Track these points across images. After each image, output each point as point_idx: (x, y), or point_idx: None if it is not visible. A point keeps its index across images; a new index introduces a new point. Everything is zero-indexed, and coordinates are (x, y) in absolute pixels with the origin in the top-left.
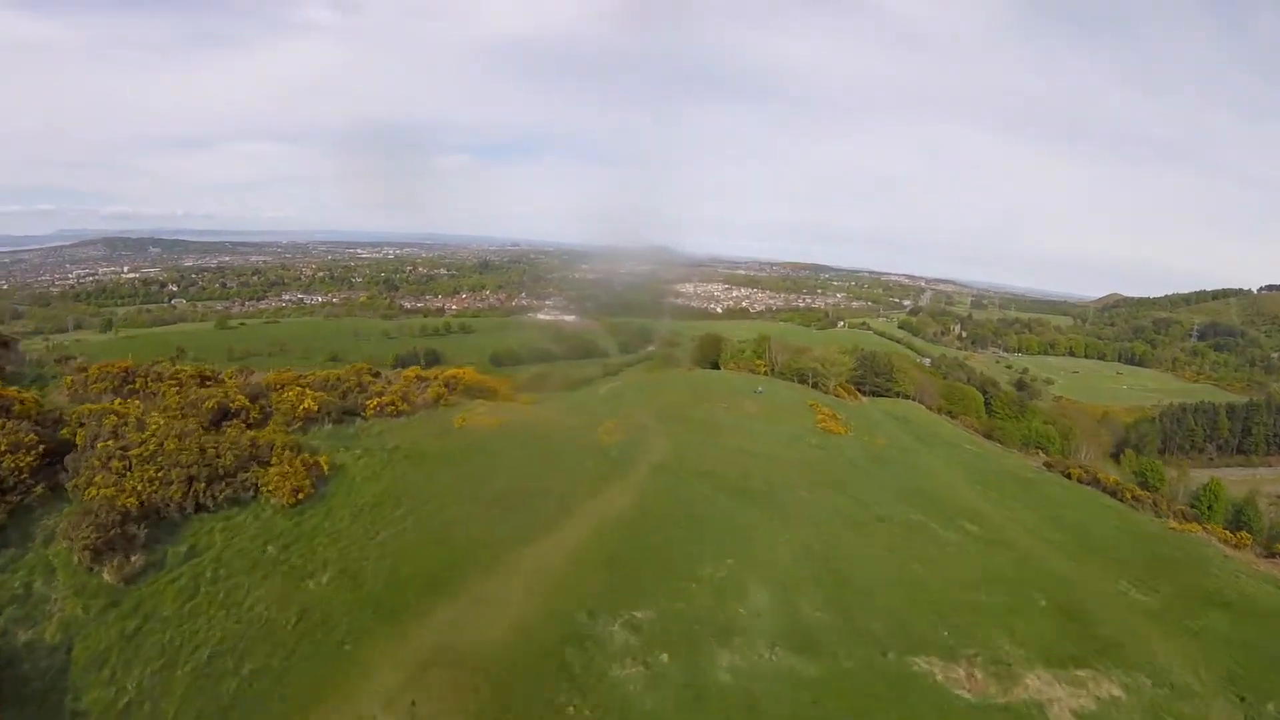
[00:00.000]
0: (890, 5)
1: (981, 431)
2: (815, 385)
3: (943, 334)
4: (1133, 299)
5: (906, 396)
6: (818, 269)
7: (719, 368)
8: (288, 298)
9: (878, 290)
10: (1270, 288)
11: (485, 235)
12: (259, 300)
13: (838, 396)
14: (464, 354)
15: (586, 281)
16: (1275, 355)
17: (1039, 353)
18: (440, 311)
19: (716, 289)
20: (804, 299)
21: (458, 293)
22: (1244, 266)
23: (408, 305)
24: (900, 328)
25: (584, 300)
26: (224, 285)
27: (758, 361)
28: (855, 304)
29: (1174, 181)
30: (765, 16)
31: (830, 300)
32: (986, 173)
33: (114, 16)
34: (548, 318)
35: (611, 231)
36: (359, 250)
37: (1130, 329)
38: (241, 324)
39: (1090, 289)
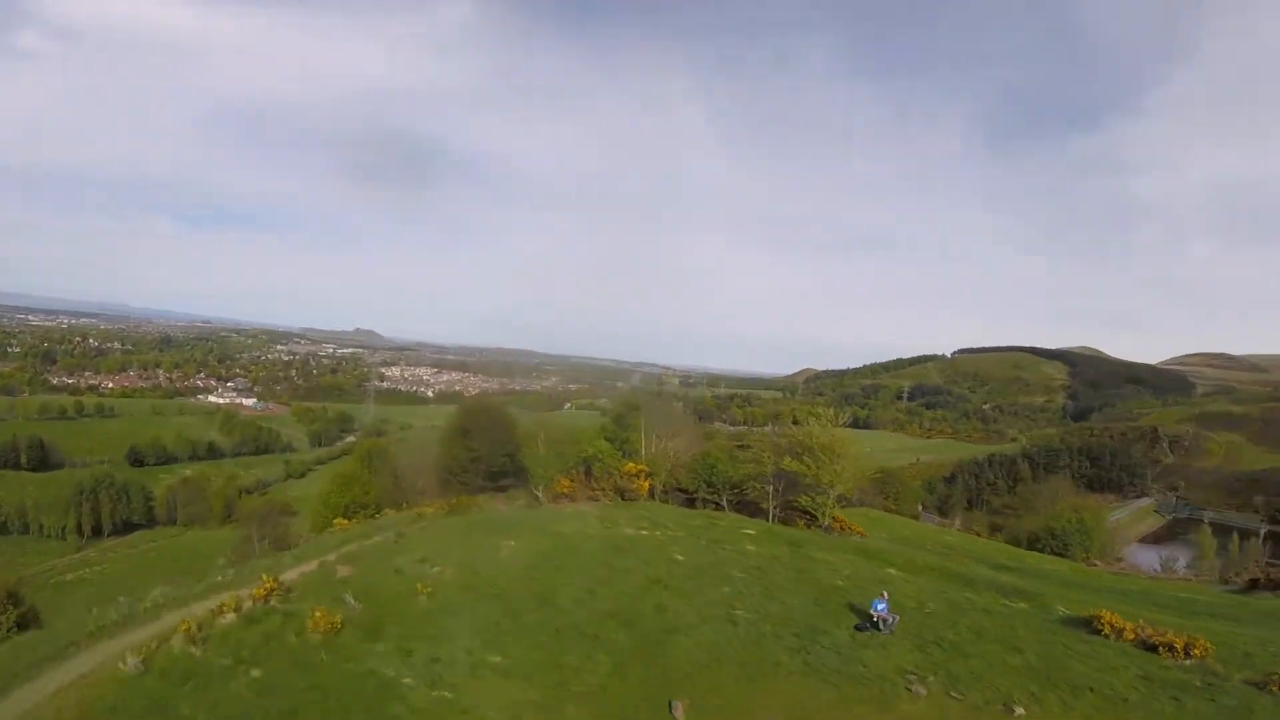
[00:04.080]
0: (602, 107)
1: None
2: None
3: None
4: (834, 370)
5: None
6: (528, 354)
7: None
8: None
9: (590, 373)
10: (962, 351)
11: (180, 310)
12: None
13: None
14: (94, 444)
15: (280, 362)
16: (986, 407)
17: (764, 424)
18: (95, 389)
19: (425, 373)
20: (519, 382)
21: (125, 369)
22: (923, 336)
23: (55, 381)
24: None
25: (274, 382)
26: None
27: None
28: (572, 386)
29: (856, 267)
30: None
31: (546, 383)
32: (679, 263)
33: None
34: (221, 400)
35: (313, 313)
36: (30, 316)
37: (840, 397)
38: None
39: (785, 366)
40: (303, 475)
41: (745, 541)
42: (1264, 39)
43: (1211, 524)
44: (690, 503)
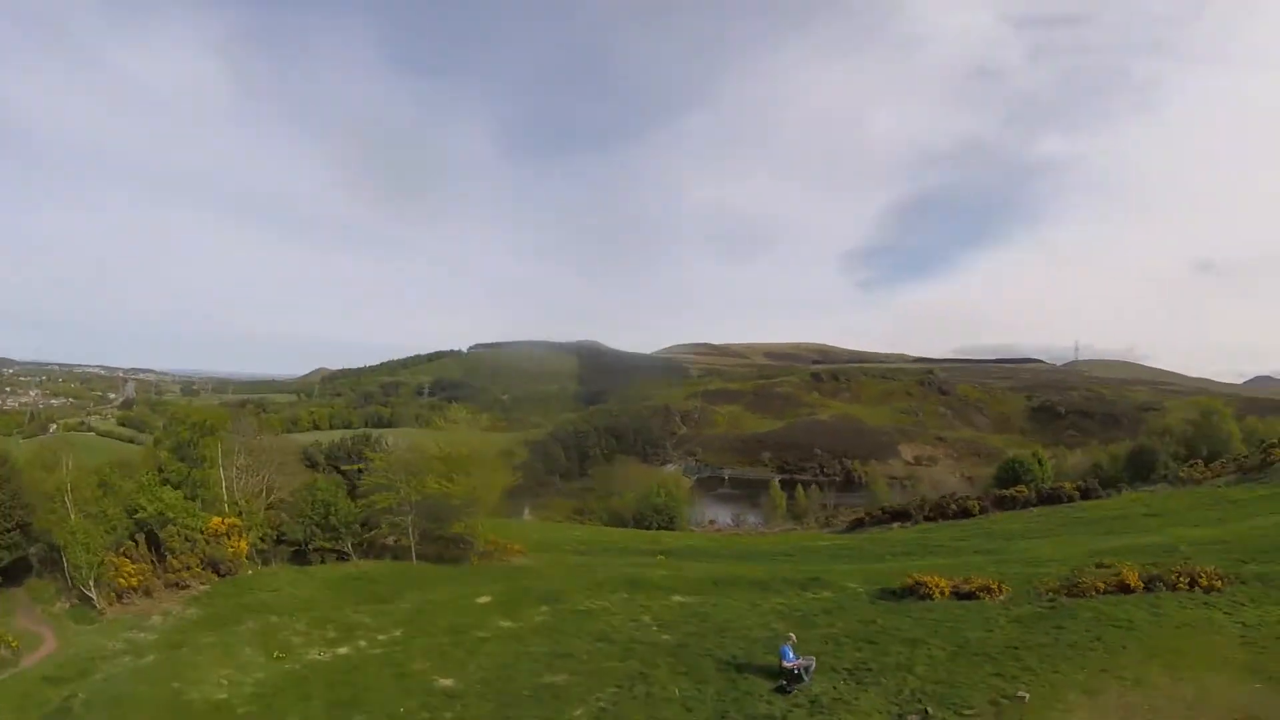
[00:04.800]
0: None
1: None
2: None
3: None
4: (351, 369)
5: None
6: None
7: None
8: None
9: (74, 385)
10: (479, 345)
11: None
12: None
13: None
14: None
15: None
16: (505, 398)
17: (283, 431)
18: None
19: None
20: None
21: None
22: (440, 332)
23: None
24: (123, 424)
25: None
26: None
27: None
28: (54, 401)
29: (368, 263)
30: None
31: (24, 399)
32: (183, 257)
33: None
34: None
35: None
36: None
37: (359, 396)
38: None
39: (298, 366)
40: None
41: (478, 616)
42: (758, 91)
43: (731, 479)
44: (300, 555)
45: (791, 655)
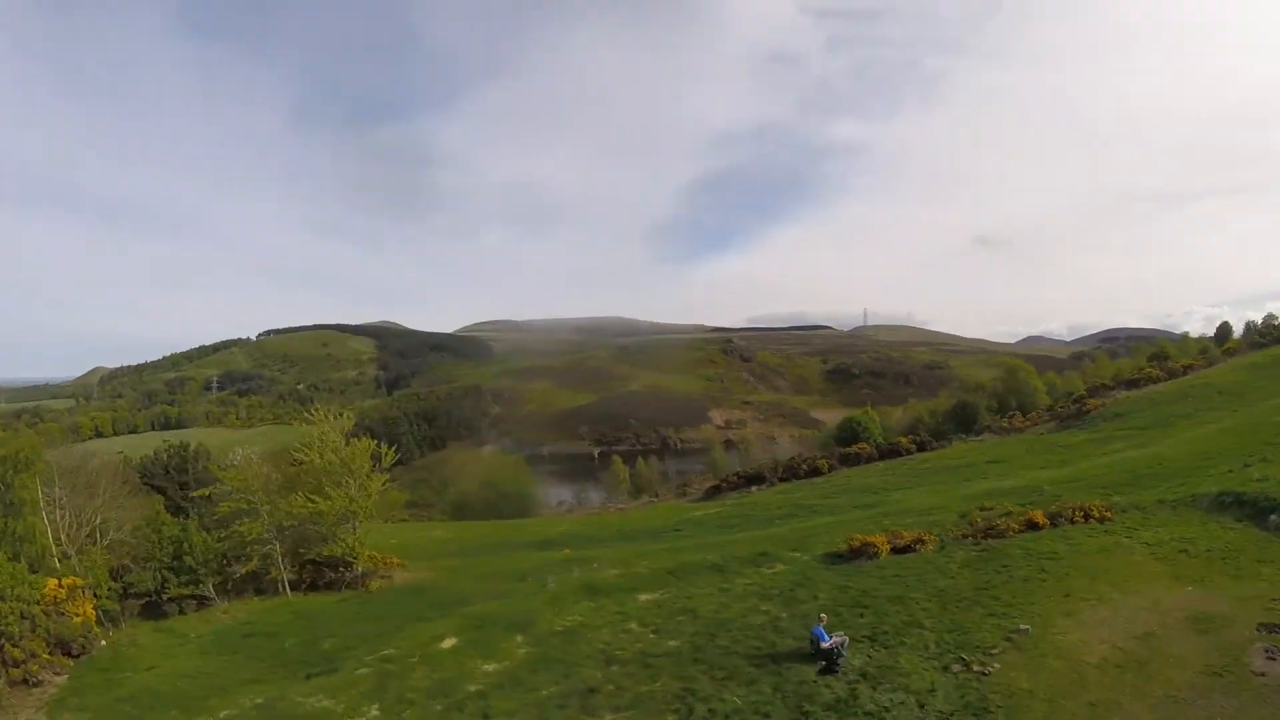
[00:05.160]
0: None
1: None
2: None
3: None
4: (130, 366)
5: None
6: None
7: None
8: None
9: None
10: (268, 332)
11: None
12: None
13: None
14: None
15: None
16: (300, 387)
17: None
18: None
19: None
20: None
21: None
22: (225, 320)
23: None
24: None
25: None
26: None
27: None
28: None
29: (140, 247)
30: None
31: None
32: None
33: None
34: None
35: None
36: None
37: (142, 395)
38: None
39: (71, 369)
40: None
41: (454, 667)
42: (561, 66)
43: (550, 455)
44: (152, 608)
45: (826, 636)
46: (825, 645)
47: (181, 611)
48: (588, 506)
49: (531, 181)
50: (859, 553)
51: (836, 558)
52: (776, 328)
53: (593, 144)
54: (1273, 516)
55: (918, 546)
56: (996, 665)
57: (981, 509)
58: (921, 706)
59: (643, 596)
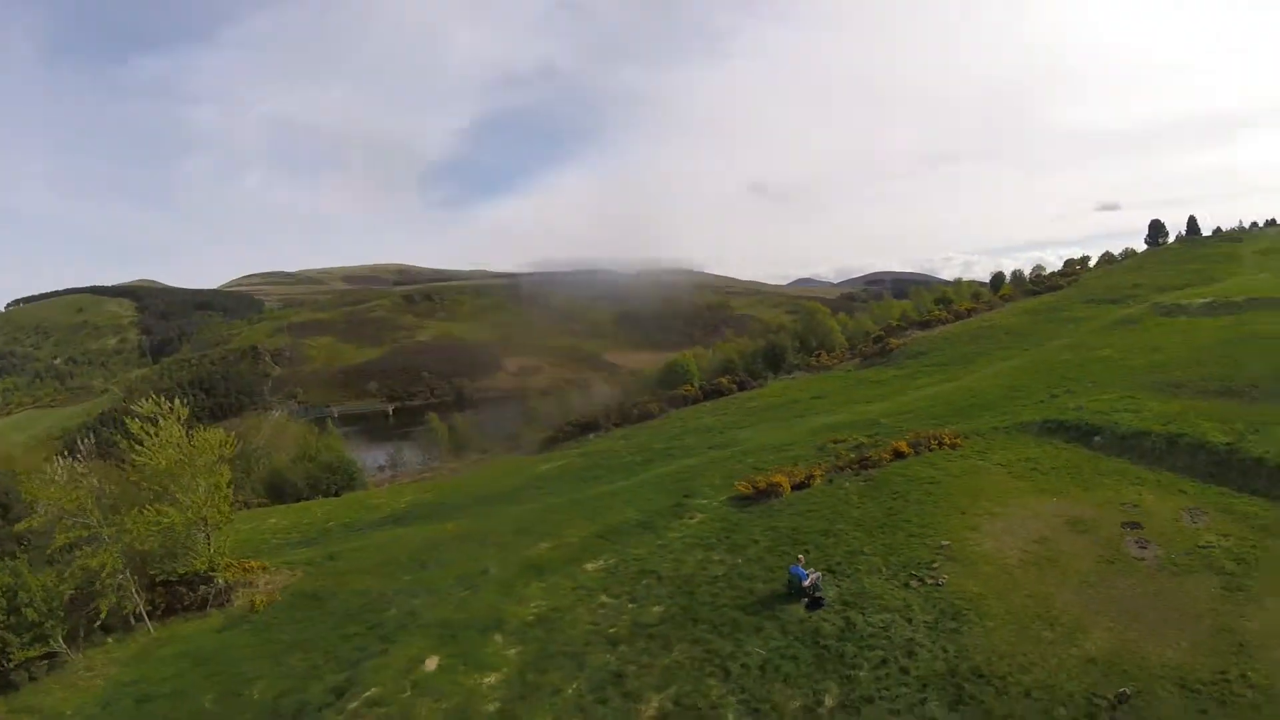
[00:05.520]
0: None
1: None
2: None
3: None
4: None
5: None
6: None
7: None
8: None
9: None
10: (16, 302)
11: None
12: None
13: None
14: None
15: None
16: (58, 362)
17: None
18: None
19: None
20: None
21: None
22: None
23: None
24: None
25: None
26: None
27: None
28: None
29: None
30: None
31: None
32: None
33: None
34: None
35: None
36: None
37: None
38: None
39: None
40: None
41: (462, 694)
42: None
43: (341, 415)
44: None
45: (805, 574)
46: (805, 583)
47: (33, 678)
48: (409, 469)
49: (301, 123)
50: (766, 493)
51: (745, 499)
52: (560, 271)
53: (364, 79)
54: (1096, 438)
55: (811, 482)
56: (945, 576)
57: (834, 441)
58: (909, 621)
59: (589, 566)
